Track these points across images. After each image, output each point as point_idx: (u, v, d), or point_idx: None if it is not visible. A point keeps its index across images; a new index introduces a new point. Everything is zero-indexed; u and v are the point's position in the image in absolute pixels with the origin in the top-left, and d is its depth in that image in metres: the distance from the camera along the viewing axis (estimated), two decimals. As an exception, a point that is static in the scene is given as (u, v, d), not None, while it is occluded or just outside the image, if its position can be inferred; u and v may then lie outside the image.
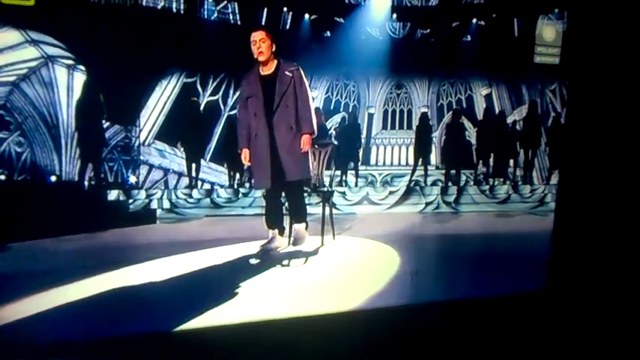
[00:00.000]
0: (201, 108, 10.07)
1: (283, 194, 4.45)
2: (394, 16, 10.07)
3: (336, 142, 8.53)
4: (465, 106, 10.65)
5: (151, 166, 10.29)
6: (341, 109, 10.87)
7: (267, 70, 4.22)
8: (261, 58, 4.13)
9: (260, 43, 4.11)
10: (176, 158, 10.40)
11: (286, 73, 4.19)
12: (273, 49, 4.19)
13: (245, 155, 4.30)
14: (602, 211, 2.06)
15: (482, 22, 10.16)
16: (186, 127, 9.03)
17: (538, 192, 8.55)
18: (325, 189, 4.83)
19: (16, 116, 9.39)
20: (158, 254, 4.24)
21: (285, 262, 3.85)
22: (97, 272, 3.45)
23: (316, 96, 10.71)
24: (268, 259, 4.03)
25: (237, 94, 4.61)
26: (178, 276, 3.41)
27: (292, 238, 4.46)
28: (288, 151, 4.18)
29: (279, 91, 4.15)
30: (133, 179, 9.80)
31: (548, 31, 7.62)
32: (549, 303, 2.23)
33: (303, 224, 4.47)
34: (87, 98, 8.54)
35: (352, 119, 9.27)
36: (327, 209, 4.74)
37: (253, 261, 4.01)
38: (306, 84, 4.29)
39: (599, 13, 2.13)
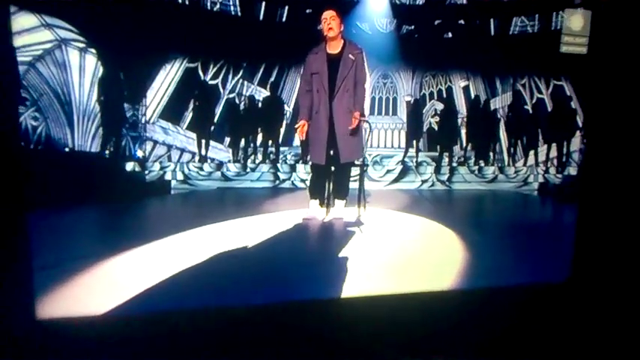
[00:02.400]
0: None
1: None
2: (392, 13, 10.66)
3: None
4: (444, 95, 11.42)
5: (156, 142, 10.83)
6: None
7: (333, 50, 4.34)
8: (331, 34, 4.27)
9: (330, 21, 4.25)
10: (179, 136, 10.98)
11: (350, 56, 4.27)
12: (342, 28, 4.34)
13: (302, 129, 4.37)
14: (626, 203, 1.95)
15: (463, 22, 10.94)
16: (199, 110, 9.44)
17: (521, 173, 9.33)
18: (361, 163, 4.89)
19: (32, 93, 9.90)
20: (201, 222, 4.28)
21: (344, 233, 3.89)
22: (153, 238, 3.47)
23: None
24: (320, 230, 4.13)
25: (302, 72, 4.67)
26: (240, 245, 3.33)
27: (332, 213, 4.62)
28: (345, 133, 4.27)
29: (342, 74, 4.24)
30: (140, 153, 10.44)
31: (576, 20, 7.44)
32: (573, 295, 2.11)
33: (344, 201, 4.65)
34: (109, 77, 9.04)
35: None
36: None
37: (308, 231, 4.09)
38: (366, 68, 4.40)
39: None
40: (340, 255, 3.13)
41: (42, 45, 10.07)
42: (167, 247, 3.31)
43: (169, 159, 10.66)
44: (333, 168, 4.58)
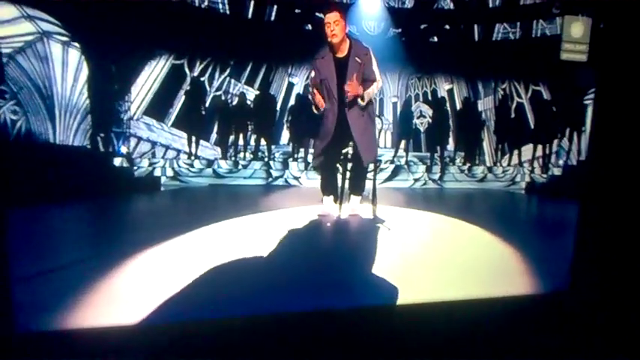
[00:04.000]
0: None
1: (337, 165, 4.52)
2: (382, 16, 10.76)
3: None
4: (430, 98, 11.61)
5: (139, 139, 10.64)
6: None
7: (340, 53, 4.08)
8: (335, 40, 3.99)
9: (334, 26, 3.96)
10: (163, 132, 10.81)
11: (357, 59, 4.04)
12: (347, 29, 4.08)
13: (320, 101, 4.14)
14: (627, 212, 1.90)
15: (447, 27, 11.15)
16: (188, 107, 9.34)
17: (508, 173, 9.60)
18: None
19: (12, 86, 9.59)
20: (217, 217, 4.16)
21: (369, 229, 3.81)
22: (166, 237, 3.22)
23: (297, 82, 11.37)
24: (339, 227, 4.00)
25: (311, 74, 4.39)
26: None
27: (349, 209, 4.53)
28: (362, 137, 4.13)
29: (350, 78, 4.00)
30: (124, 150, 10.22)
31: (576, 27, 7.44)
32: (574, 303, 2.05)
33: (360, 197, 4.60)
34: (92, 71, 8.84)
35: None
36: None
37: (330, 229, 3.94)
38: (375, 64, 4.16)
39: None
40: (373, 257, 2.91)
41: (22, 37, 9.79)
42: (174, 249, 3.02)
43: (154, 156, 10.47)
44: (349, 165, 4.54)
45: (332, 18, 3.98)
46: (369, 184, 4.74)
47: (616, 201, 1.95)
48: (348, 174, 4.58)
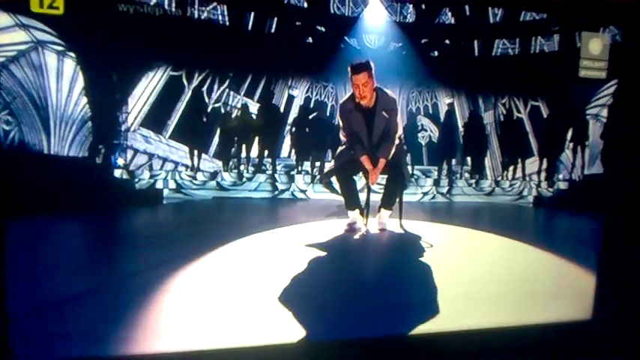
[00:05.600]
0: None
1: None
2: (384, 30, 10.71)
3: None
4: (431, 112, 11.56)
5: (136, 151, 10.39)
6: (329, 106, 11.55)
7: (366, 104, 3.98)
8: (364, 102, 3.92)
9: (363, 88, 3.84)
10: (160, 145, 10.57)
11: (384, 113, 4.00)
12: (375, 85, 3.93)
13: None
14: None
15: (448, 41, 11.13)
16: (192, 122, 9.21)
17: (516, 186, 9.60)
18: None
19: (4, 96, 9.28)
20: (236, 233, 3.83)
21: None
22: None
23: (297, 95, 11.23)
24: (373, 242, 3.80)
25: (340, 123, 4.32)
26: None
27: (378, 222, 4.34)
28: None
29: (377, 130, 4.03)
30: (121, 162, 9.93)
31: (595, 44, 7.28)
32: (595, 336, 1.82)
33: (390, 211, 4.41)
34: (89, 82, 8.62)
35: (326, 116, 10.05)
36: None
37: (355, 242, 3.75)
38: (399, 119, 4.16)
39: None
40: (429, 276, 2.58)
41: (16, 46, 9.48)
42: (195, 268, 2.65)
43: (151, 168, 10.20)
44: (385, 178, 4.40)
45: (361, 80, 3.82)
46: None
47: None
48: (380, 185, 4.49)
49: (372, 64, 3.95)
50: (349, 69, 3.90)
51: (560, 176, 10.32)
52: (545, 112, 11.25)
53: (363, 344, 1.65)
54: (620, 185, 1.77)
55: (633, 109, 1.73)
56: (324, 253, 3.17)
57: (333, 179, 4.38)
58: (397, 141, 4.24)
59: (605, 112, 9.72)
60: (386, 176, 4.35)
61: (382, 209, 4.38)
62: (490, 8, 10.98)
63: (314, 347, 1.61)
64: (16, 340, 1.34)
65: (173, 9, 10.19)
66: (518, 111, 11.34)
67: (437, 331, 1.73)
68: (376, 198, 4.49)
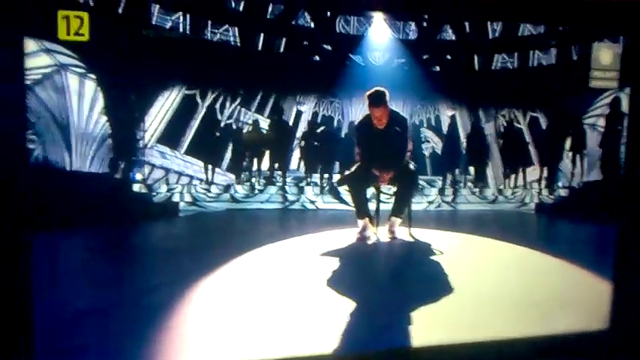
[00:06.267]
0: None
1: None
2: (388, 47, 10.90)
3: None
4: (434, 124, 11.67)
5: (153, 166, 10.53)
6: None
7: (380, 125, 4.23)
8: (381, 126, 4.20)
9: (380, 117, 4.14)
10: (176, 160, 10.71)
11: (396, 131, 4.24)
12: (389, 111, 4.22)
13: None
14: None
15: (449, 57, 11.27)
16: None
17: (517, 194, 9.67)
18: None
19: (29, 116, 9.47)
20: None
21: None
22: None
23: (305, 110, 11.37)
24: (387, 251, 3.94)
25: (351, 138, 4.69)
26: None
27: (389, 231, 4.42)
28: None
29: (390, 148, 4.22)
30: (139, 176, 10.09)
31: (605, 54, 7.16)
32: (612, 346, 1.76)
33: (400, 219, 4.52)
34: (109, 102, 8.80)
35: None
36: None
37: (368, 250, 3.84)
38: (409, 137, 4.44)
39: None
40: (444, 286, 2.56)
41: (41, 69, 9.73)
42: (213, 280, 2.66)
43: (167, 182, 10.34)
44: (394, 189, 4.60)
45: (379, 112, 4.13)
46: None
47: None
48: (388, 196, 4.66)
49: (387, 96, 4.20)
50: (367, 99, 4.18)
51: (560, 184, 10.36)
52: (544, 123, 11.31)
53: (379, 356, 1.62)
54: (635, 192, 1.70)
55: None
56: (338, 263, 3.20)
57: (345, 188, 4.54)
58: (408, 154, 4.48)
59: (601, 122, 9.75)
60: (395, 186, 4.51)
61: (393, 217, 4.48)
62: (489, 24, 11.11)
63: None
64: (38, 353, 1.33)
65: (188, 32, 10.37)
66: (518, 122, 11.44)
67: (450, 343, 1.70)
68: (386, 208, 4.60)
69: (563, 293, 2.56)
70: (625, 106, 8.67)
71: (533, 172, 10.69)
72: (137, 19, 9.79)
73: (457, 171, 10.71)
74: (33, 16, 8.92)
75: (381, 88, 4.20)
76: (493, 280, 2.83)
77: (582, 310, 2.19)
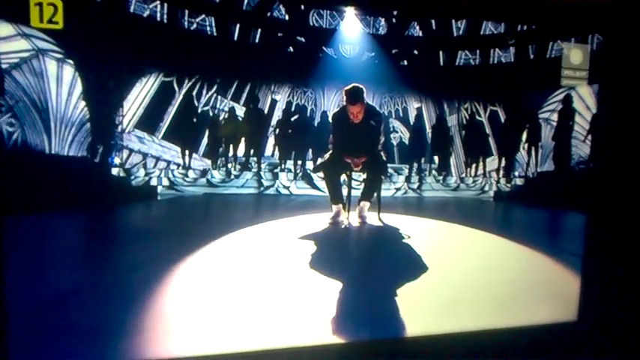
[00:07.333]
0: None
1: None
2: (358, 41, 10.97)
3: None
4: (401, 115, 11.78)
5: (132, 150, 10.35)
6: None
7: (356, 120, 4.26)
8: (356, 121, 4.24)
9: (357, 114, 4.18)
10: (154, 145, 10.54)
11: (371, 124, 4.28)
12: (365, 107, 4.26)
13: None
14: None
15: (416, 52, 11.35)
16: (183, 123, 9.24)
17: (478, 182, 9.90)
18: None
19: (8, 100, 9.17)
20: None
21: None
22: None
23: (279, 99, 11.31)
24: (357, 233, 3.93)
25: (331, 132, 4.64)
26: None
27: (359, 215, 4.47)
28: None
29: (363, 139, 4.27)
30: (117, 161, 9.90)
31: (575, 54, 7.28)
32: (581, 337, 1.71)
33: (369, 203, 4.57)
34: (87, 87, 8.59)
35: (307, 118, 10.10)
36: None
37: (340, 233, 3.83)
38: (382, 131, 4.48)
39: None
40: (410, 270, 2.52)
41: (18, 54, 9.39)
42: (189, 262, 2.59)
43: (145, 166, 10.16)
44: (364, 175, 4.67)
45: (356, 109, 4.15)
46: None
47: (629, 218, 1.62)
48: (358, 182, 4.68)
49: (365, 93, 4.24)
50: (344, 95, 4.18)
51: (517, 173, 10.63)
52: (502, 116, 11.54)
53: (354, 345, 1.56)
54: (607, 184, 1.64)
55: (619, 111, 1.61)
56: (313, 246, 3.18)
57: (320, 175, 4.53)
58: (380, 146, 4.56)
59: (555, 117, 10.03)
60: (366, 173, 4.60)
61: (362, 202, 4.56)
62: (454, 22, 11.22)
63: (305, 350, 1.50)
64: (11, 339, 1.27)
65: (165, 21, 10.14)
66: (479, 115, 11.65)
67: (423, 334, 1.64)
68: (356, 194, 4.63)
69: (520, 275, 2.62)
70: (576, 103, 8.94)
71: (492, 162, 10.97)
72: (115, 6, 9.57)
73: (423, 160, 10.90)
74: (7, 1, 8.61)
75: (359, 85, 4.22)
76: (456, 263, 2.86)
77: (540, 289, 2.26)
